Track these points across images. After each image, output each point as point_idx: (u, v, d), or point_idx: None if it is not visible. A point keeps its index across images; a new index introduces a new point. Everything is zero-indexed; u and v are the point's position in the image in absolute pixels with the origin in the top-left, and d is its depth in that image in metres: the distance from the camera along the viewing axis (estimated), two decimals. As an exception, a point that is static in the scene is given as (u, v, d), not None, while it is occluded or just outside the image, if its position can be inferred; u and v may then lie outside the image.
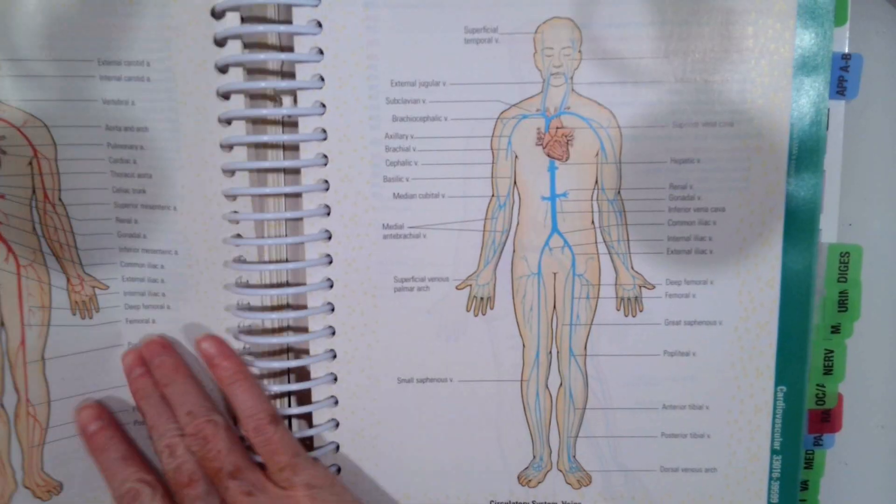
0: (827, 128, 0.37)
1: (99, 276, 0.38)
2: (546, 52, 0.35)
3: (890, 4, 0.38)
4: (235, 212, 0.37)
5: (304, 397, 0.39)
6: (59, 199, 0.37)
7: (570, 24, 0.35)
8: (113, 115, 0.36)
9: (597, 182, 0.36)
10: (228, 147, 0.36)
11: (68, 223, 0.37)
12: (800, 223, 0.37)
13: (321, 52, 0.35)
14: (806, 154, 0.36)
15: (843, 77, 0.37)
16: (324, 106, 0.36)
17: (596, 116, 0.35)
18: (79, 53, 0.36)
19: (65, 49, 0.35)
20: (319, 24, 0.35)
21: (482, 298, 0.37)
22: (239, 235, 0.37)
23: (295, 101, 0.36)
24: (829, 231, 0.38)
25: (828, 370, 0.39)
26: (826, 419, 0.39)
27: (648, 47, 0.35)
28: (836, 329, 0.38)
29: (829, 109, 0.36)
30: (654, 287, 0.37)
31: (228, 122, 0.36)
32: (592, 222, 0.36)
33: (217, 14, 0.35)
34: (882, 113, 0.40)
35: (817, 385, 0.38)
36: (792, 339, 0.37)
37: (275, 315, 0.37)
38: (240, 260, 0.37)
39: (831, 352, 0.39)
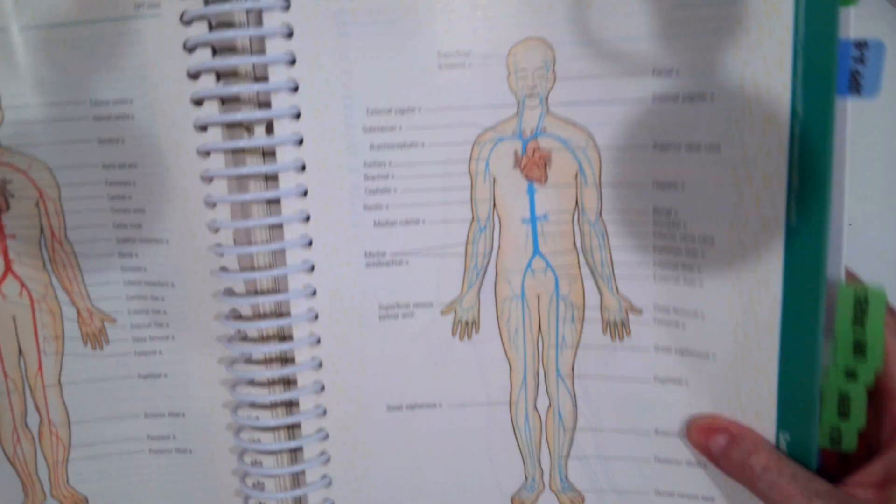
0: (835, 137, 0.30)
1: (106, 308, 0.39)
2: (520, 74, 0.34)
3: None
4: (219, 244, 0.37)
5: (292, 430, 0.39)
6: (66, 237, 0.39)
7: (544, 44, 0.34)
8: (107, 154, 0.38)
9: (577, 204, 0.35)
10: (209, 179, 0.36)
11: (75, 259, 0.39)
12: (802, 259, 0.32)
13: (296, 82, 0.35)
14: (809, 181, 0.31)
15: (857, 71, 0.31)
16: (301, 136, 0.36)
17: (573, 137, 0.34)
18: (71, 95, 0.37)
19: (59, 92, 0.37)
20: (293, 56, 0.35)
21: (467, 322, 0.37)
22: (225, 268, 0.37)
23: (270, 130, 0.36)
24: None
25: (844, 414, 0.33)
26: (845, 462, 0.34)
27: (626, 65, 0.33)
28: (851, 374, 0.33)
29: (837, 114, 0.31)
30: (641, 312, 0.36)
31: (207, 153, 0.36)
32: (574, 244, 0.35)
33: (189, 48, 0.36)
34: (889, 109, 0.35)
35: (831, 426, 0.34)
36: (795, 384, 0.33)
37: (264, 348, 0.38)
38: (229, 291, 0.37)
39: (847, 397, 0.33)
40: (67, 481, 0.41)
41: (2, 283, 0.39)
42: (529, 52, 0.33)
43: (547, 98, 0.34)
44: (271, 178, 0.37)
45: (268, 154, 0.37)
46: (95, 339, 0.40)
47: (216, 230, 0.37)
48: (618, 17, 0.33)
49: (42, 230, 0.38)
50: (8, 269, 0.39)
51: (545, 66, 0.33)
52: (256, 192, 0.37)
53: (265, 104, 0.36)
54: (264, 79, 0.35)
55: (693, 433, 0.34)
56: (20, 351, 0.39)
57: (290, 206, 0.37)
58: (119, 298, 0.40)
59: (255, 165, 0.36)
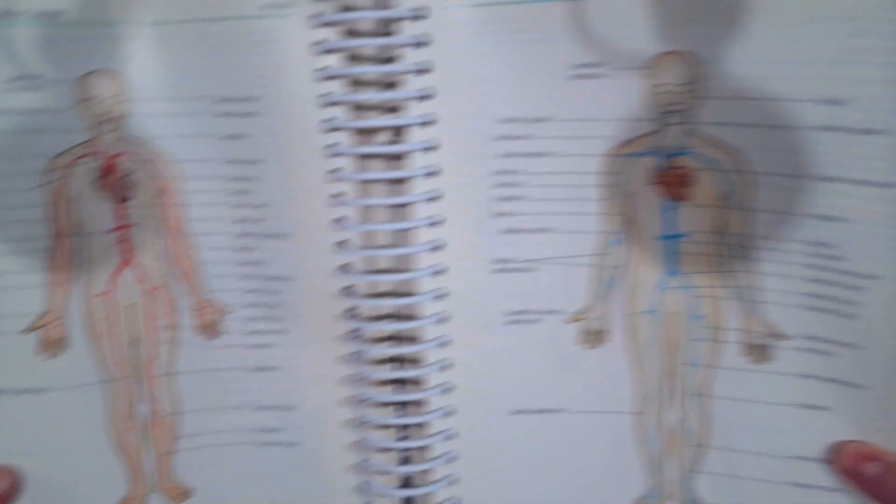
0: None
1: (222, 300, 0.42)
2: (661, 89, 0.34)
3: None
4: (344, 241, 0.40)
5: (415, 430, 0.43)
6: (186, 229, 0.42)
7: (690, 58, 0.33)
8: (232, 149, 0.40)
9: (720, 225, 0.34)
10: (336, 179, 0.40)
11: (193, 251, 0.42)
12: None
13: (431, 90, 0.38)
14: None
15: None
16: (433, 143, 0.38)
17: (720, 158, 0.34)
18: (200, 91, 0.40)
19: (188, 87, 0.40)
20: (428, 64, 0.37)
21: (594, 332, 0.38)
22: (348, 267, 0.41)
23: (397, 134, 0.39)
24: None
25: None
26: None
27: (789, 90, 0.35)
28: None
29: None
30: (786, 338, 0.38)
31: (336, 154, 0.40)
32: (715, 265, 0.35)
33: (320, 52, 0.38)
34: None
35: None
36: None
37: (391, 349, 0.41)
38: (352, 291, 0.40)
39: None
40: (174, 474, 0.44)
41: (122, 270, 0.42)
42: (672, 67, 0.36)
43: (692, 115, 0.32)
44: (394, 183, 0.40)
45: (395, 159, 0.40)
46: (209, 330, 0.43)
47: (342, 229, 0.40)
48: (782, 40, 0.34)
49: (163, 220, 0.42)
50: (128, 257, 0.42)
51: (691, 81, 0.32)
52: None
53: (391, 110, 0.39)
54: (392, 85, 0.38)
55: (843, 458, 0.37)
56: (135, 339, 0.43)
57: (421, 210, 0.40)
58: (234, 291, 0.43)
59: (380, 171, 0.40)
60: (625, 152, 0.38)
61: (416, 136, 0.39)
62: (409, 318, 0.42)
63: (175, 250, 0.42)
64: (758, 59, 0.35)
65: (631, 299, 0.40)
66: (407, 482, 0.44)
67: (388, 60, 0.39)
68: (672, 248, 0.39)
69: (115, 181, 0.41)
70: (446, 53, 0.37)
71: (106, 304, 0.42)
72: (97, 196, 0.41)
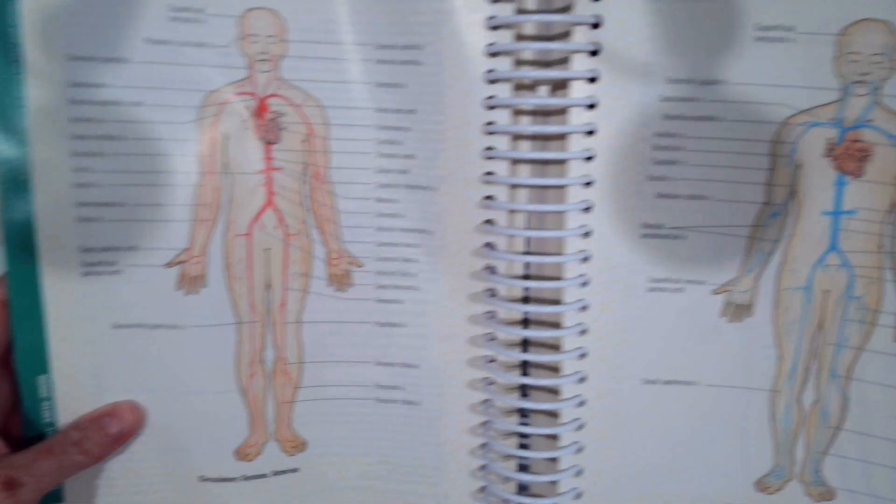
0: None
1: (356, 252, 0.42)
2: (851, 58, 0.33)
3: None
4: (491, 197, 0.40)
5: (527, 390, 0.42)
6: (328, 176, 0.41)
7: (886, 27, 0.32)
8: (384, 98, 0.40)
9: (893, 204, 0.33)
10: (491, 132, 0.39)
11: (333, 200, 0.42)
12: None
13: (597, 45, 0.37)
14: None
15: None
16: (594, 99, 0.37)
17: None
18: (358, 37, 0.39)
19: (346, 32, 0.39)
20: (599, 18, 0.36)
21: (739, 305, 0.36)
22: (492, 222, 0.40)
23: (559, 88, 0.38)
24: None
25: None
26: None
27: None
28: None
29: None
30: None
31: (493, 107, 0.39)
32: (881, 246, 0.34)
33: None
34: None
35: None
36: None
37: (528, 307, 0.41)
38: (491, 247, 0.40)
39: None
40: (291, 424, 0.44)
41: (262, 213, 0.42)
42: (867, 35, 0.34)
43: (881, 88, 0.31)
44: (550, 139, 0.39)
45: (552, 114, 0.39)
46: (340, 281, 0.43)
47: (490, 184, 0.40)
48: None
49: (306, 167, 0.41)
50: (270, 201, 0.42)
51: (885, 52, 0.31)
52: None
53: (550, 63, 0.38)
54: (563, 36, 0.37)
55: None
56: (268, 284, 0.42)
57: (575, 170, 0.39)
58: (369, 243, 0.42)
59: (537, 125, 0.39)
60: (801, 121, 0.36)
61: (578, 92, 0.38)
62: (550, 278, 0.41)
63: (315, 197, 0.42)
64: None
65: (783, 274, 0.39)
66: (526, 447, 0.43)
67: (558, 11, 0.38)
68: (836, 225, 0.37)
69: (264, 123, 0.41)
70: (618, 7, 0.36)
71: (245, 246, 0.42)
72: (246, 136, 0.41)
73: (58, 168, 0.38)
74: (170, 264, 0.41)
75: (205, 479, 0.43)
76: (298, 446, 0.44)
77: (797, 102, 0.36)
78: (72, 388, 0.40)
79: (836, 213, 0.37)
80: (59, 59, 0.37)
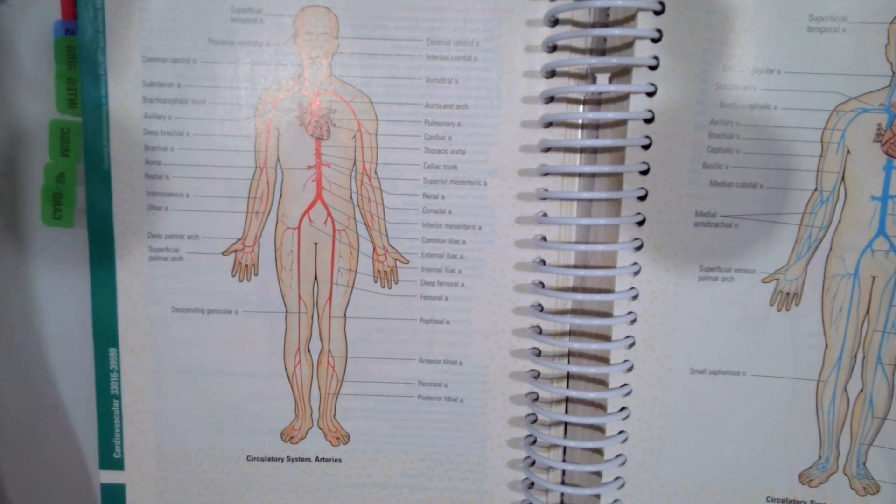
0: None
1: (402, 248, 0.40)
2: None
3: None
4: (546, 189, 0.38)
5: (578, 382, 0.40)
6: (375, 173, 0.39)
7: None
8: (434, 93, 0.38)
9: (942, 186, 0.32)
10: (546, 125, 0.38)
11: (381, 196, 0.40)
12: None
13: (659, 32, 0.36)
14: None
15: None
16: (654, 87, 0.36)
17: None
18: (410, 33, 0.38)
19: (397, 29, 0.38)
20: (661, 4, 0.35)
21: (788, 294, 0.35)
22: (545, 214, 0.38)
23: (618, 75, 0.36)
24: None
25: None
26: None
27: None
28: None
29: None
30: None
31: (550, 98, 0.37)
32: (929, 229, 0.33)
33: None
34: None
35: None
36: None
37: (577, 296, 0.39)
38: (542, 239, 0.38)
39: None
40: (335, 415, 0.42)
41: (312, 208, 0.40)
42: None
43: (930, 73, 0.31)
44: (605, 126, 0.38)
45: (607, 102, 0.38)
46: (386, 277, 0.40)
47: (544, 175, 0.38)
48: None
49: (355, 162, 0.39)
50: (319, 195, 0.40)
51: (936, 38, 0.30)
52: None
53: (608, 51, 0.37)
54: (618, 22, 0.36)
55: None
56: (316, 277, 0.40)
57: (631, 157, 0.37)
58: (415, 240, 0.40)
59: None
60: (851, 108, 0.35)
61: (639, 80, 0.36)
62: (603, 267, 0.39)
63: (363, 193, 0.40)
64: None
65: (831, 261, 0.37)
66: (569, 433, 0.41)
67: None
68: (884, 209, 0.36)
69: (316, 119, 0.39)
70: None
71: (295, 239, 0.40)
72: (299, 132, 0.39)
73: (132, 160, 0.39)
74: (226, 252, 0.40)
75: (252, 459, 0.42)
76: (342, 438, 0.42)
77: (848, 90, 0.35)
78: (136, 363, 0.41)
79: (885, 198, 0.36)
80: (134, 60, 0.38)
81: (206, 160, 0.39)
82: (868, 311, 0.37)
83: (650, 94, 0.36)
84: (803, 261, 0.37)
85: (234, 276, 0.40)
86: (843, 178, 0.36)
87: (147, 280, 0.40)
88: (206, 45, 0.38)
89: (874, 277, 0.37)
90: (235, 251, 0.40)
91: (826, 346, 0.38)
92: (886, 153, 0.35)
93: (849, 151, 0.36)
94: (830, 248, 0.37)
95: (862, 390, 0.38)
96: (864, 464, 0.39)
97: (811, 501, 0.40)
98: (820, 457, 0.39)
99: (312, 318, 0.41)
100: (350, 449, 0.42)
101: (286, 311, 0.40)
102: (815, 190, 0.36)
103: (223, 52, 0.38)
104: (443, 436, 0.42)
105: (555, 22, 0.37)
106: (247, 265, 0.40)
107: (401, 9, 0.37)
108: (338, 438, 0.42)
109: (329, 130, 0.39)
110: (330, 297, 0.41)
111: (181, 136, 0.39)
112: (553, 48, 0.37)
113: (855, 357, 0.38)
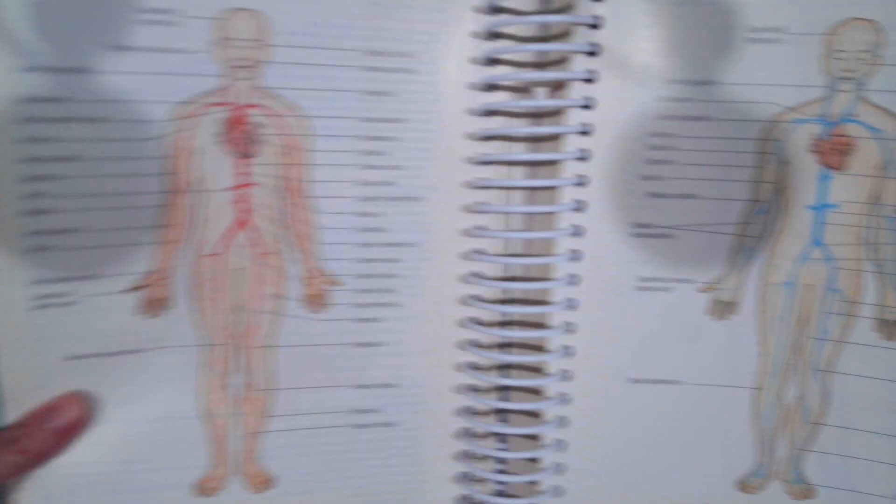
0: None
1: (335, 270, 0.37)
2: (837, 56, 0.31)
3: None
4: (485, 202, 0.36)
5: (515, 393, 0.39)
6: (307, 191, 0.36)
7: (872, 26, 0.30)
8: (372, 107, 0.35)
9: (874, 197, 0.32)
10: (484, 138, 0.35)
11: (312, 215, 0.36)
12: None
13: (598, 46, 0.34)
14: None
15: None
16: (592, 100, 0.35)
17: (886, 128, 0.31)
18: (348, 43, 0.34)
19: (335, 38, 0.34)
20: (597, 19, 0.34)
21: (725, 303, 0.34)
22: (484, 228, 0.37)
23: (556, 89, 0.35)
24: None
25: None
26: None
27: None
28: None
29: None
30: None
31: (489, 112, 0.35)
32: (861, 238, 0.32)
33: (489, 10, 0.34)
34: None
35: None
36: None
37: (515, 309, 0.37)
38: (481, 252, 0.37)
39: None
40: (259, 457, 0.38)
41: (238, 231, 0.36)
42: (853, 33, 0.33)
43: (864, 84, 0.30)
44: (545, 140, 0.36)
45: (545, 116, 0.36)
46: (316, 301, 0.37)
47: (482, 188, 0.36)
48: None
49: (285, 180, 0.36)
50: (245, 218, 0.36)
51: (870, 49, 0.29)
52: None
53: (547, 64, 0.35)
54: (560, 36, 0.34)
55: None
56: (239, 305, 0.36)
57: (568, 170, 0.36)
58: (349, 260, 0.37)
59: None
60: (788, 118, 0.35)
61: (575, 93, 0.35)
62: (540, 279, 0.37)
63: (294, 213, 0.36)
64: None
65: (768, 270, 0.37)
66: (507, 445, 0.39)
67: (557, 12, 0.35)
68: (820, 219, 0.36)
69: (241, 135, 0.35)
70: (617, 8, 0.34)
71: (214, 266, 0.36)
72: (220, 150, 0.35)
73: (4, 194, 0.32)
74: (131, 290, 0.34)
75: None
76: (266, 482, 0.38)
77: (785, 100, 0.34)
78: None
79: (820, 208, 0.36)
80: (9, 70, 0.31)
81: (105, 188, 0.33)
82: (804, 319, 0.37)
83: (588, 108, 0.35)
84: (740, 270, 0.37)
85: (142, 314, 0.35)
86: (779, 189, 0.36)
87: (30, 332, 0.33)
88: (103, 51, 0.32)
89: (810, 286, 0.36)
90: (145, 286, 0.35)
91: (763, 354, 0.38)
92: (822, 163, 0.35)
93: (786, 162, 0.35)
94: (768, 258, 0.36)
95: (798, 397, 0.38)
96: (801, 469, 0.39)
97: (749, 507, 0.40)
98: (758, 463, 0.39)
99: (234, 350, 0.37)
100: (276, 494, 0.38)
101: (203, 345, 0.36)
102: (752, 200, 0.36)
103: (125, 61, 0.32)
104: (377, 464, 0.39)
105: (497, 35, 0.35)
106: (158, 299, 0.35)
107: (339, 16, 0.34)
108: (262, 483, 0.38)
109: (256, 147, 0.35)
110: (255, 326, 0.37)
111: (73, 161, 0.33)
112: (495, 61, 0.35)
113: (791, 365, 0.38)
